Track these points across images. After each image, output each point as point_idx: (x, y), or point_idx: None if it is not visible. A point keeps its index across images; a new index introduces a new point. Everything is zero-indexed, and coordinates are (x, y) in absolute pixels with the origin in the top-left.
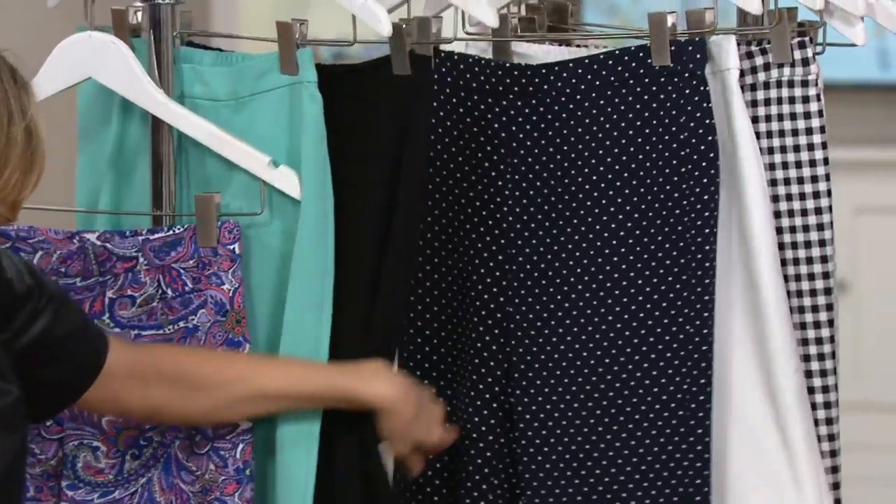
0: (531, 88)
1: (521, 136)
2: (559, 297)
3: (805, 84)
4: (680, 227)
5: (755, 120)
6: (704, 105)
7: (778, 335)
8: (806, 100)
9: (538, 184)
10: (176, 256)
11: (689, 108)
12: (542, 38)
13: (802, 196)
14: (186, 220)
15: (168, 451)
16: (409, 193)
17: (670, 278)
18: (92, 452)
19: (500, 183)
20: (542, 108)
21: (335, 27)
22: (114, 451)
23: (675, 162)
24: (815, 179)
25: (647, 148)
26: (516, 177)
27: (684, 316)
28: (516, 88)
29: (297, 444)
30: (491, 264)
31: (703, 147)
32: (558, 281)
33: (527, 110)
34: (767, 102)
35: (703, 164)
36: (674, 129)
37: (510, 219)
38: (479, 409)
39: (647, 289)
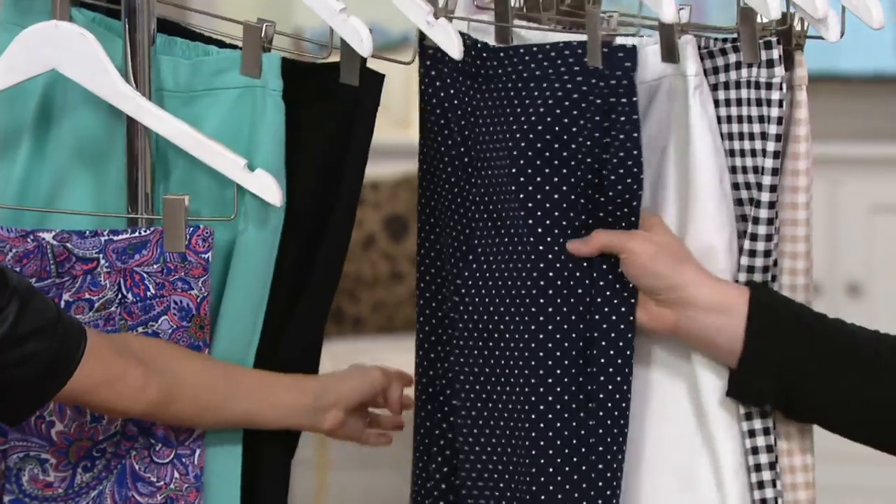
0: (500, 71)
1: (488, 120)
2: (502, 285)
3: (769, 87)
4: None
5: (728, 120)
6: (623, 118)
7: None
8: (768, 103)
9: (493, 172)
10: (140, 260)
11: (613, 115)
12: (536, 24)
13: (750, 201)
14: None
15: (122, 462)
16: (342, 211)
17: (587, 280)
18: (40, 465)
19: (470, 169)
20: (502, 93)
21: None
22: (64, 463)
23: (597, 166)
24: (759, 188)
25: (584, 150)
26: (481, 163)
27: (595, 321)
28: (489, 72)
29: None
30: (457, 255)
31: (621, 155)
32: (499, 278)
33: (495, 94)
34: (739, 103)
35: (624, 170)
36: (597, 134)
37: (472, 208)
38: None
39: (563, 288)
